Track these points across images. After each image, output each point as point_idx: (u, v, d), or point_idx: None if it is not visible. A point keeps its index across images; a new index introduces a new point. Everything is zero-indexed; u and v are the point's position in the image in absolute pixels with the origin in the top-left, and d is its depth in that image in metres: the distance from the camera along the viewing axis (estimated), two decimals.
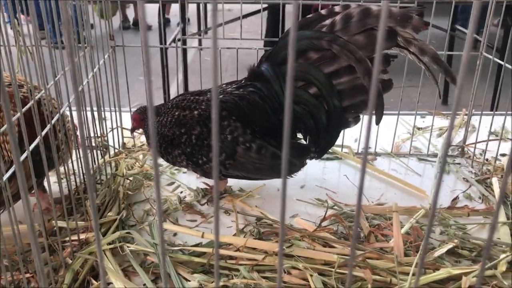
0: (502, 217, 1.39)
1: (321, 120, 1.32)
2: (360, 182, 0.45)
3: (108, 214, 1.37)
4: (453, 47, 4.37)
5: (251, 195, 1.50)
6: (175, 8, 7.11)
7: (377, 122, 1.32)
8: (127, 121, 1.79)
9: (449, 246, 1.24)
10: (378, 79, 1.22)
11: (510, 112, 1.69)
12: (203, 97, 1.37)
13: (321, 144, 1.37)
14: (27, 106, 1.06)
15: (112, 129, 1.71)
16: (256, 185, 1.54)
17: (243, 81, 1.39)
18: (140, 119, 1.47)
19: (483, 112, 1.71)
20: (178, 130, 1.34)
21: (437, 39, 4.99)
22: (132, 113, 1.49)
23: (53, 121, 1.18)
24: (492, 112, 1.85)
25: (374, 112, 1.30)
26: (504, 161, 1.69)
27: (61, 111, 1.24)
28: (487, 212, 1.43)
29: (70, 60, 0.46)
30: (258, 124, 1.34)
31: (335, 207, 1.44)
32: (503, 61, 1.63)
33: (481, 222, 1.38)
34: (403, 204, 1.44)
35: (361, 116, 1.38)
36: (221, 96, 1.36)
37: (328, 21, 1.27)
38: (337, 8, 1.28)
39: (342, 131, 1.41)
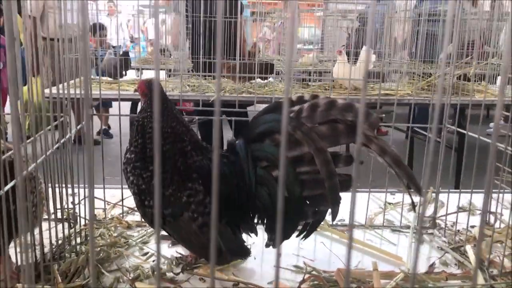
0: (480, 280, 1.39)
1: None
2: None
3: (76, 280, 1.30)
4: (413, 147, 4.61)
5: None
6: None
7: (333, 219, 1.31)
8: (98, 194, 1.77)
9: None
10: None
11: (475, 190, 1.78)
12: (197, 155, 1.37)
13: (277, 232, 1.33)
14: None
15: (84, 198, 1.67)
16: None
17: (223, 151, 1.41)
18: (144, 91, 1.40)
19: (450, 190, 1.79)
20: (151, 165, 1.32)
21: (395, 143, 5.23)
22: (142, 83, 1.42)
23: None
24: (458, 190, 1.93)
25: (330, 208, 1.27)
26: (474, 231, 1.72)
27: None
28: (464, 276, 1.43)
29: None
30: (220, 196, 1.30)
31: (314, 272, 1.41)
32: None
33: (460, 284, 1.37)
34: (381, 269, 1.42)
35: (320, 211, 1.33)
36: (200, 157, 1.37)
37: (296, 107, 1.28)
38: (306, 97, 1.31)
39: (299, 223, 1.35)
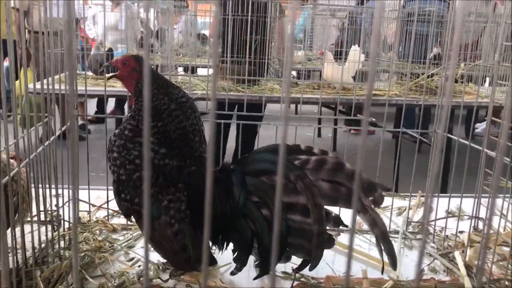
0: None
1: (264, 242, 1.27)
2: None
3: (59, 286, 1.26)
4: (401, 149, 4.62)
5: (215, 270, 1.43)
6: None
7: (311, 269, 1.27)
8: (83, 195, 1.73)
9: None
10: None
11: (465, 195, 1.77)
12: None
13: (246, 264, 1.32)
14: None
15: (68, 201, 1.63)
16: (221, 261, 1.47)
17: (217, 169, 1.37)
18: (127, 68, 1.32)
19: (440, 195, 1.78)
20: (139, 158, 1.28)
21: (383, 143, 5.25)
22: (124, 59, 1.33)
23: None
24: (448, 195, 1.92)
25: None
26: (463, 237, 1.71)
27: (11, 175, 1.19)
28: (453, 284, 1.42)
29: None
30: (201, 213, 1.25)
31: (302, 279, 1.39)
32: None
33: None
34: (370, 276, 1.41)
35: (292, 257, 1.32)
36: (193, 168, 1.32)
37: (303, 157, 1.26)
38: (316, 150, 1.29)
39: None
